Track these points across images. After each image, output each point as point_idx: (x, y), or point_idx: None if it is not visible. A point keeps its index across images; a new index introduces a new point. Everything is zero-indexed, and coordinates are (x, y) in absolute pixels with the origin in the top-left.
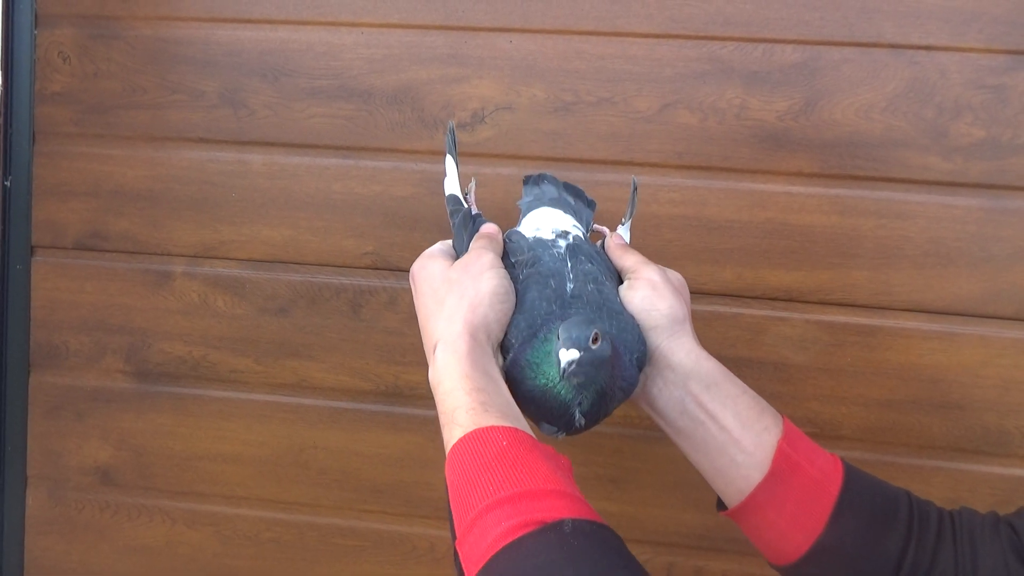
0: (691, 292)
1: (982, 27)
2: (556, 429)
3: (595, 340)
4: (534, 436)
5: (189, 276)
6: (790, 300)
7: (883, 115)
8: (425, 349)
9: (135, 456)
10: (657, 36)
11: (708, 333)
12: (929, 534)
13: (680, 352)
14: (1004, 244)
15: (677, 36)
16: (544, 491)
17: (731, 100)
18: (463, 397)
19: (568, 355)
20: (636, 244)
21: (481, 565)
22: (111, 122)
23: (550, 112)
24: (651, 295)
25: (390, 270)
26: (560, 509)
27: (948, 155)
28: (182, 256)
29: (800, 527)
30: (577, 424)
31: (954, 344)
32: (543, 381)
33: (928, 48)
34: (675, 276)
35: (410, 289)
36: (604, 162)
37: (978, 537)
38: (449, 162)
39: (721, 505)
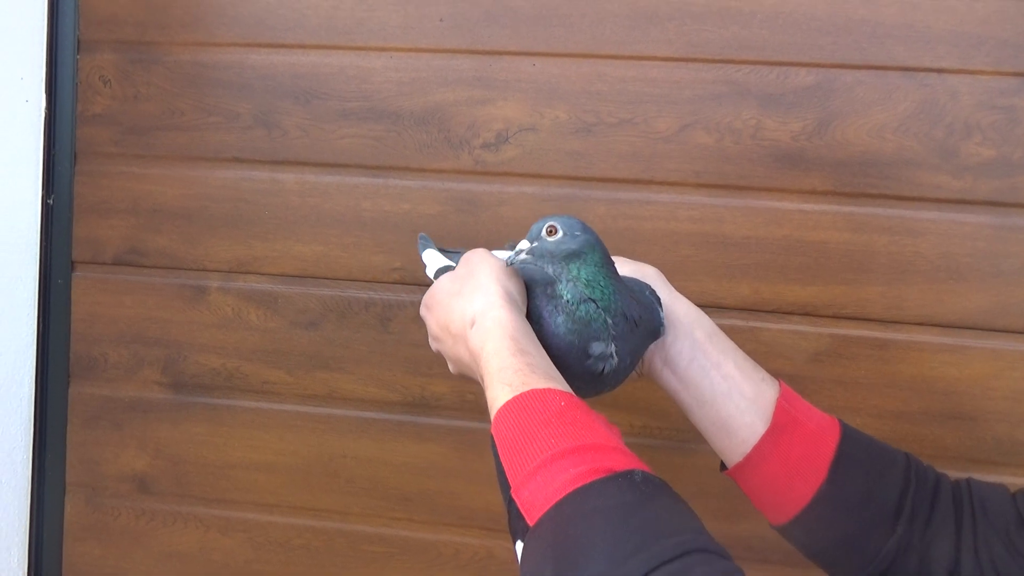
0: (709, 307)
1: (990, 50)
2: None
3: (551, 232)
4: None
5: (224, 291)
6: (805, 314)
7: (895, 135)
8: (454, 351)
9: (171, 464)
10: (676, 60)
11: None
12: (927, 484)
13: (682, 306)
14: (1014, 260)
15: (695, 59)
16: (608, 447)
17: (747, 121)
18: (509, 359)
19: (519, 246)
20: (656, 260)
21: (549, 506)
22: (150, 143)
23: (572, 133)
24: (633, 265)
25: (418, 285)
26: (626, 463)
27: (959, 174)
28: (217, 271)
29: (802, 478)
30: (610, 355)
31: (965, 357)
32: (564, 319)
33: (939, 71)
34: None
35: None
36: (625, 181)
37: (975, 485)
38: (429, 253)
39: (723, 467)
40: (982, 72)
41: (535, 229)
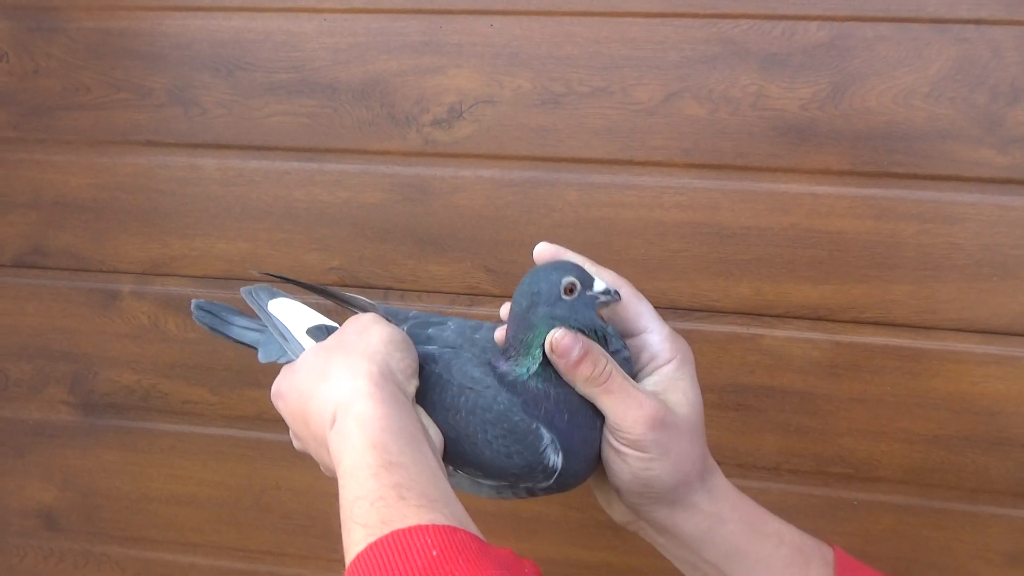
0: (701, 311)
1: None
2: (510, 485)
3: (570, 290)
4: (477, 531)
5: (137, 296)
6: (818, 319)
7: (926, 102)
8: (321, 458)
9: (81, 497)
10: (660, 15)
11: (723, 358)
12: None
13: (688, 522)
14: None
15: (683, 15)
16: None
17: (746, 87)
18: (369, 482)
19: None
20: (639, 255)
21: None
22: (52, 125)
23: (537, 105)
24: (647, 457)
25: (359, 287)
26: None
27: (1004, 147)
28: (129, 273)
29: None
30: (548, 463)
31: (1014, 369)
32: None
33: (978, 22)
34: (687, 360)
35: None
36: (599, 161)
37: None
38: (282, 306)
39: None
40: None
41: (553, 284)
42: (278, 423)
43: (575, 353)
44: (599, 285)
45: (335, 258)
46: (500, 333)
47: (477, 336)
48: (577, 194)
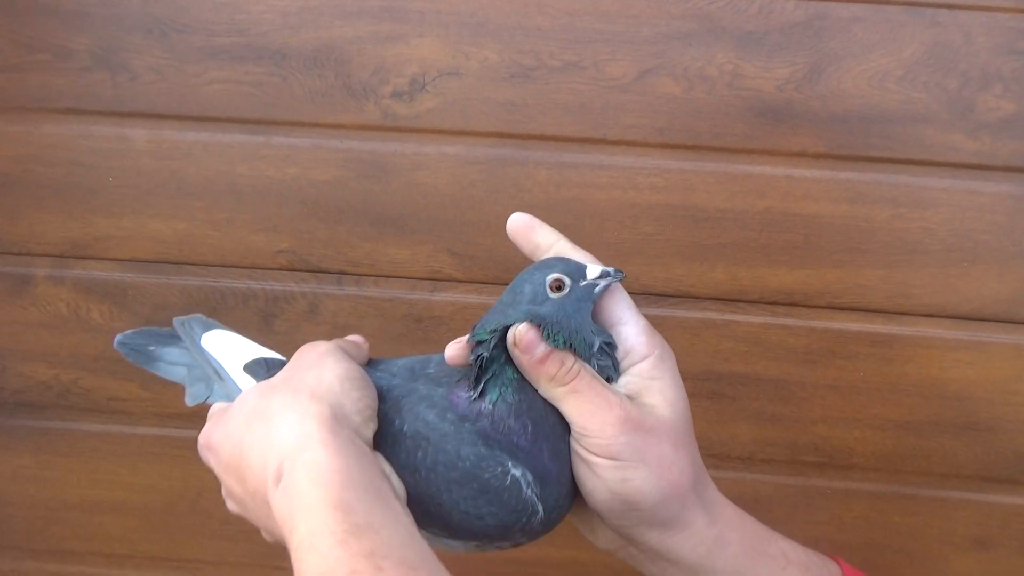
0: (676, 297)
1: None
2: (482, 543)
3: (558, 287)
4: None
5: (55, 281)
6: (792, 304)
7: (900, 85)
8: (261, 519)
9: None
10: None
11: (697, 345)
12: None
13: (684, 546)
14: None
15: None
16: None
17: (722, 66)
18: (335, 550)
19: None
20: (612, 239)
21: None
22: None
23: (506, 79)
24: (621, 465)
25: (310, 271)
26: None
27: (975, 133)
28: (47, 256)
29: None
30: (535, 509)
31: (983, 355)
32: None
33: (950, 6)
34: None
35: (335, 293)
36: (571, 139)
37: None
38: (218, 338)
39: None
40: (1001, 9)
41: (537, 284)
42: None
43: (540, 349)
44: (592, 271)
45: (284, 240)
46: (453, 349)
47: (431, 369)
48: (547, 173)
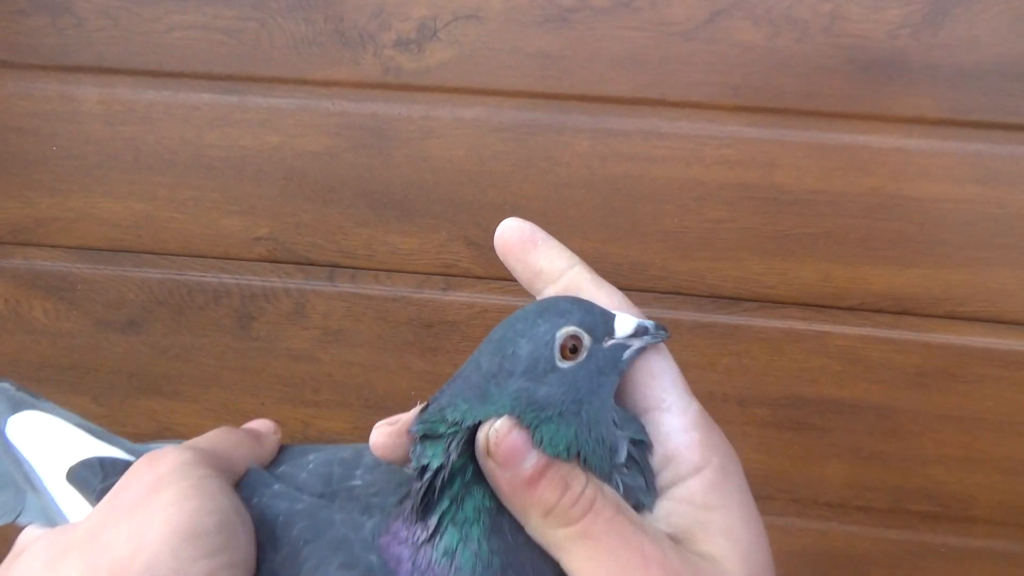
0: (753, 300)
1: None
2: None
3: (574, 350)
4: None
5: None
6: (901, 312)
7: None
8: None
9: None
10: None
11: (778, 363)
12: None
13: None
14: None
15: None
16: None
17: (817, 6)
18: None
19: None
20: (672, 227)
21: None
22: None
23: (538, 23)
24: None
25: (296, 264)
26: None
27: None
28: None
29: None
30: None
31: None
32: None
33: None
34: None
35: (326, 291)
36: (620, 100)
37: None
38: (51, 424)
39: None
40: None
41: (541, 342)
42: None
43: (530, 462)
44: (624, 324)
45: (263, 225)
46: (381, 436)
47: (356, 480)
48: (589, 144)
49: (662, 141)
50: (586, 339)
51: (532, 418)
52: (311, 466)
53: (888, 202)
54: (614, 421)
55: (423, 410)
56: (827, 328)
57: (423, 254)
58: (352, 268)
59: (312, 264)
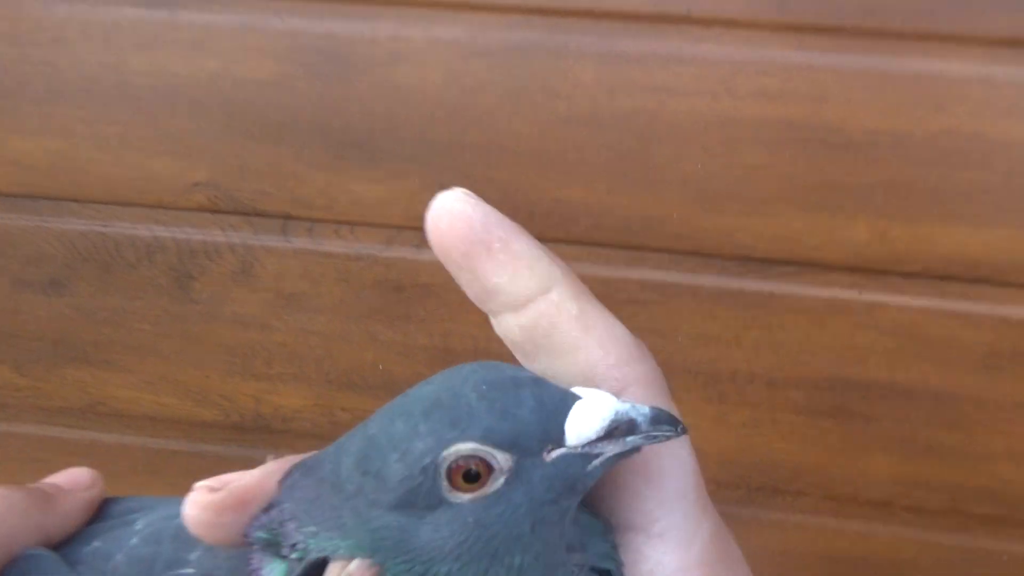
0: (793, 263)
1: None
2: None
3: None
4: None
5: None
6: (975, 281)
7: None
8: None
9: None
10: None
11: (821, 338)
12: None
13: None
14: None
15: None
16: None
17: None
18: None
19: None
20: (694, 173)
21: None
22: None
23: None
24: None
25: (241, 214)
26: None
27: None
28: None
29: None
30: None
31: None
32: None
33: None
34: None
35: (278, 247)
36: (633, 17)
37: None
38: None
39: None
40: None
41: (414, 461)
42: (122, 418)
43: None
44: (589, 421)
45: (200, 168)
46: (195, 511)
47: (189, 568)
48: (595, 71)
49: (685, 68)
50: (500, 460)
51: (404, 570)
52: (134, 540)
53: (965, 146)
54: (567, 545)
55: (267, 509)
56: (881, 298)
57: (392, 204)
58: (308, 220)
59: (260, 215)
